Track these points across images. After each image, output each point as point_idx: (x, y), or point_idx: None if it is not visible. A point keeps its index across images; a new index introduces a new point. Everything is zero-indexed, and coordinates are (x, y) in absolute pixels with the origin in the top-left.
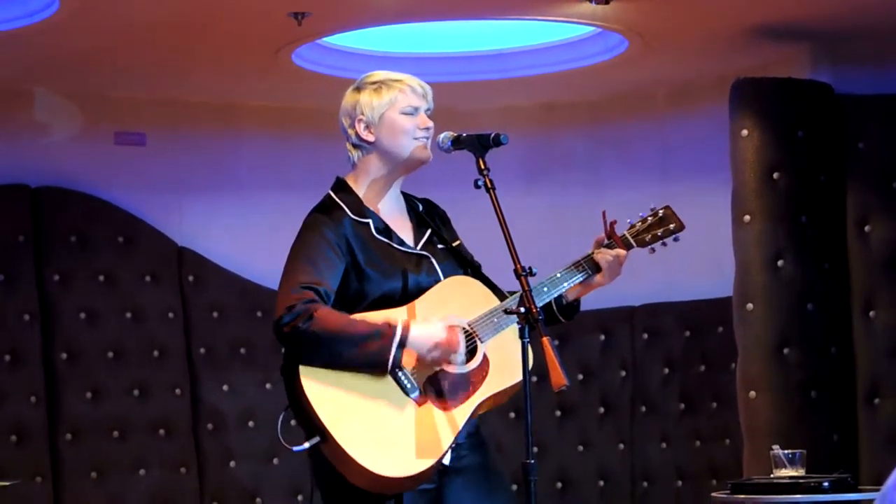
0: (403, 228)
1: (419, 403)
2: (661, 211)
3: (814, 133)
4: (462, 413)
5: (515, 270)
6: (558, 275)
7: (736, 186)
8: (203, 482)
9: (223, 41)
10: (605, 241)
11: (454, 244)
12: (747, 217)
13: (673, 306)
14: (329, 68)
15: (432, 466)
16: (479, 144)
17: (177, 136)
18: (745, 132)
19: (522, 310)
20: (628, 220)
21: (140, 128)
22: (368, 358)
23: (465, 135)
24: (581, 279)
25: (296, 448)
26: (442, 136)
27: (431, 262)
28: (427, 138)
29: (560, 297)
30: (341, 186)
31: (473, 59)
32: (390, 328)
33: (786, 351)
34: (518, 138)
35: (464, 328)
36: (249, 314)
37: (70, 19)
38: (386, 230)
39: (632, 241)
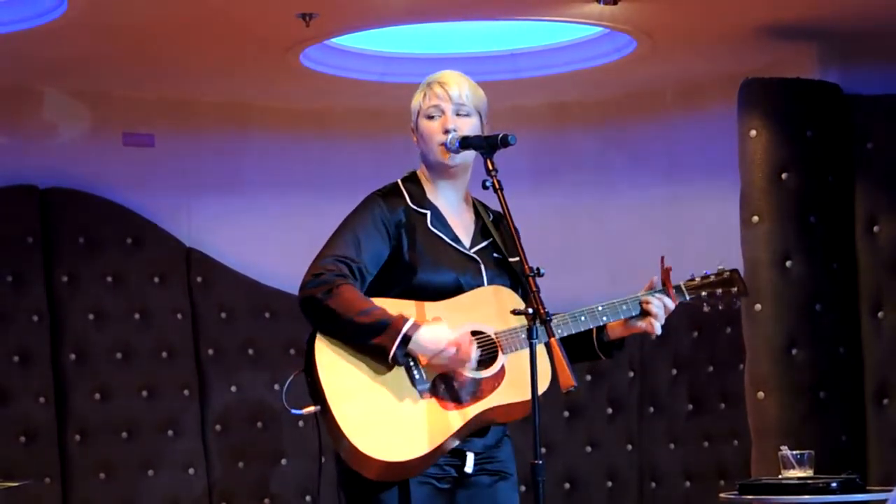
0: (462, 229)
1: (424, 396)
2: (727, 272)
3: (822, 133)
4: (464, 415)
5: (522, 271)
6: (599, 308)
7: (744, 186)
8: (211, 483)
9: (231, 42)
10: (658, 287)
11: (512, 259)
12: (756, 217)
13: (681, 306)
14: (337, 69)
15: (419, 458)
16: (488, 145)
17: (185, 136)
18: (753, 132)
19: (530, 310)
20: (691, 273)
21: (148, 128)
22: (373, 349)
23: (473, 135)
24: (623, 318)
25: (294, 411)
26: (450, 136)
27: (479, 267)
28: (449, 141)
29: (601, 334)
30: (411, 177)
31: (482, 59)
32: (399, 324)
33: (794, 351)
34: (526, 138)
35: (490, 336)
36: (257, 315)
37: (78, 20)
38: (443, 224)
39: (685, 292)
